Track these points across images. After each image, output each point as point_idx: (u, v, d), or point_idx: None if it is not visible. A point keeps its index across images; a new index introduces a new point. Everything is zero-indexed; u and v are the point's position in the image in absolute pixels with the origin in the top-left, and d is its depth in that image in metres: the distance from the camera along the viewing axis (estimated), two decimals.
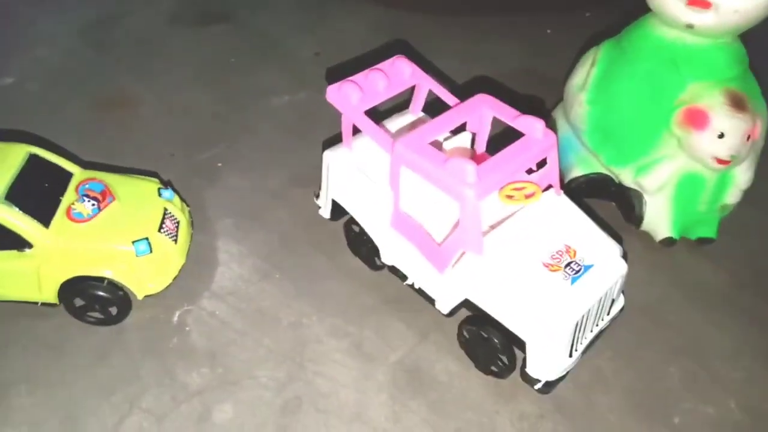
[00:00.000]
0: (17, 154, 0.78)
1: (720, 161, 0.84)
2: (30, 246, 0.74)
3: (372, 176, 0.80)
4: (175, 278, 0.82)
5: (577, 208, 0.78)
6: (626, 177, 0.91)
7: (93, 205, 0.78)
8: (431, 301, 0.80)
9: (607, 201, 0.97)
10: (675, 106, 0.85)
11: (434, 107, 0.85)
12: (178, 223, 0.83)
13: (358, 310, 0.84)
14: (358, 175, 0.81)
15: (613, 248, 0.76)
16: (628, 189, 0.92)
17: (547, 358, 0.71)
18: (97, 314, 0.80)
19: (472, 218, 0.68)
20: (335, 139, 0.86)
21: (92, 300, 0.78)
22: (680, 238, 0.92)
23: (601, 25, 1.29)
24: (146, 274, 0.78)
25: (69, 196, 0.79)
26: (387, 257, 0.83)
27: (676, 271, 0.91)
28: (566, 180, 0.98)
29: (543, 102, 1.14)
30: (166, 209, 0.82)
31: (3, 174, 0.75)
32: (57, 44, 1.27)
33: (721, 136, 0.82)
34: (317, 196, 0.91)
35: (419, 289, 0.81)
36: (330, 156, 0.84)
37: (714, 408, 0.76)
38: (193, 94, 1.17)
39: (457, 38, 1.33)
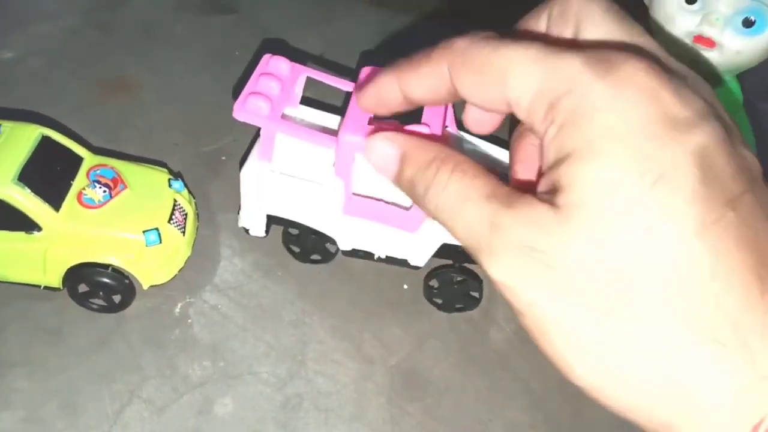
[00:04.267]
0: (30, 135, 0.77)
1: None
2: (39, 229, 0.74)
3: (305, 176, 0.80)
4: (180, 270, 0.82)
5: (476, 138, 0.85)
6: None
7: (104, 191, 0.77)
8: (401, 263, 0.85)
9: None
10: None
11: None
12: (186, 215, 0.83)
13: (358, 313, 0.86)
14: (291, 181, 0.81)
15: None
16: None
17: None
18: (99, 301, 0.79)
19: None
20: None
21: (97, 287, 0.78)
22: None
23: None
24: (154, 264, 0.78)
25: (80, 181, 0.78)
26: (345, 244, 0.85)
27: None
28: None
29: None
30: (175, 200, 0.82)
31: (16, 155, 0.74)
32: (59, 21, 1.24)
33: None
34: (239, 217, 0.88)
35: (386, 258, 0.86)
36: (251, 173, 0.81)
37: None
38: (198, 83, 1.16)
39: None
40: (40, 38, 1.20)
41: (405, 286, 0.90)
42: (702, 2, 0.81)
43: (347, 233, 0.84)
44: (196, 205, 0.89)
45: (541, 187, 0.30)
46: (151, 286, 0.80)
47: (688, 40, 0.84)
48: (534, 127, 0.31)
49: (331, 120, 0.87)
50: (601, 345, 0.28)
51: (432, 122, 0.74)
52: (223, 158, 1.04)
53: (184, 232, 0.81)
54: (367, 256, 0.86)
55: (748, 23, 0.79)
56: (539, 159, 0.35)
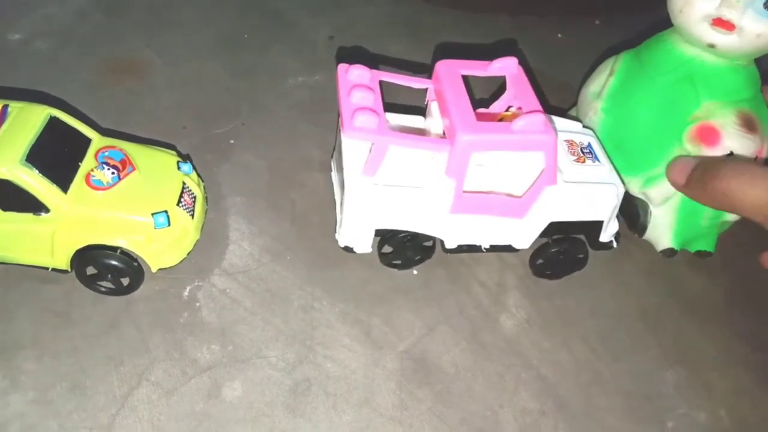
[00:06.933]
0: (38, 116, 0.76)
1: None
2: (47, 210, 0.73)
3: (410, 184, 0.80)
4: (188, 253, 0.81)
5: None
6: (634, 186, 0.93)
7: (113, 173, 0.77)
8: (505, 248, 0.88)
9: None
10: (688, 122, 0.87)
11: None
12: (195, 198, 0.82)
13: (368, 298, 0.85)
14: (397, 191, 0.80)
15: (579, 124, 0.94)
16: (635, 198, 0.94)
17: (614, 222, 0.89)
18: (108, 284, 0.79)
19: (554, 158, 0.79)
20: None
21: (105, 269, 0.77)
22: (680, 250, 0.95)
23: (609, 33, 1.32)
24: (163, 247, 0.77)
25: (88, 163, 0.77)
26: (451, 242, 0.86)
27: (673, 282, 0.94)
28: None
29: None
30: (184, 183, 0.81)
31: (24, 136, 0.73)
32: (68, 3, 1.23)
33: (730, 155, 0.84)
34: (339, 236, 0.85)
35: (490, 247, 0.88)
36: (359, 191, 0.79)
37: (705, 415, 0.79)
38: (207, 67, 1.15)
39: (470, 34, 1.34)
40: (49, 20, 1.20)
41: (414, 272, 0.89)
42: None
43: (454, 232, 0.85)
44: (204, 188, 0.88)
45: None
46: (160, 269, 0.79)
47: (706, 24, 0.81)
48: None
49: (406, 121, 0.90)
50: None
51: (531, 105, 0.81)
52: (232, 142, 1.03)
53: (192, 215, 0.80)
54: (471, 249, 0.88)
55: None
56: None
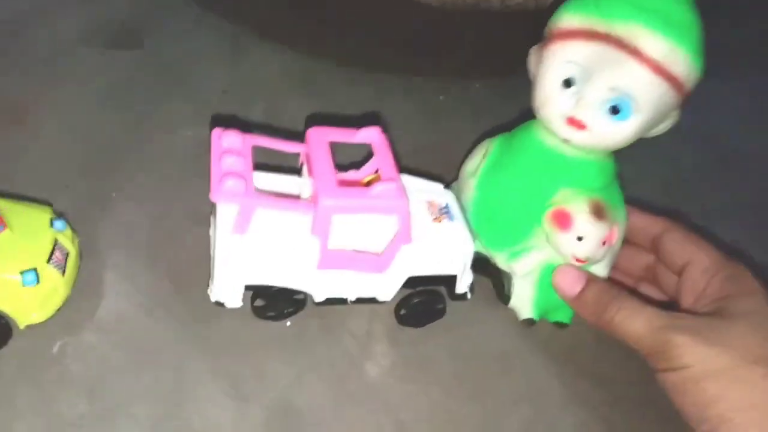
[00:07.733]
0: None
1: (578, 260, 0.94)
2: None
3: (279, 241, 0.86)
4: (58, 309, 0.83)
5: (410, 176, 0.99)
6: (500, 260, 1.01)
7: None
8: (371, 301, 0.94)
9: (485, 278, 1.06)
10: (547, 206, 0.95)
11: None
12: (67, 254, 0.85)
13: (239, 351, 0.89)
14: (266, 248, 0.86)
15: (440, 186, 1.04)
16: (501, 271, 1.01)
17: (468, 275, 0.97)
18: None
19: (408, 220, 0.87)
20: None
21: None
22: (540, 320, 1.02)
23: (487, 95, 1.43)
24: (31, 304, 0.79)
25: None
26: (319, 296, 0.92)
27: (526, 329, 1.03)
28: None
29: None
30: (56, 240, 0.84)
31: None
32: None
33: (581, 239, 0.92)
34: (211, 292, 0.89)
35: (356, 299, 0.94)
36: (228, 248, 0.84)
37: None
38: (96, 119, 1.17)
39: (361, 93, 1.42)
40: None
41: (288, 323, 0.94)
42: (577, 88, 0.88)
43: (322, 286, 0.91)
44: (79, 244, 0.90)
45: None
46: (28, 325, 0.81)
47: (562, 121, 0.90)
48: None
49: (282, 181, 0.96)
50: None
51: (388, 173, 0.89)
52: (114, 194, 1.05)
53: (63, 272, 0.83)
54: (339, 302, 0.93)
55: (614, 111, 0.86)
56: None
